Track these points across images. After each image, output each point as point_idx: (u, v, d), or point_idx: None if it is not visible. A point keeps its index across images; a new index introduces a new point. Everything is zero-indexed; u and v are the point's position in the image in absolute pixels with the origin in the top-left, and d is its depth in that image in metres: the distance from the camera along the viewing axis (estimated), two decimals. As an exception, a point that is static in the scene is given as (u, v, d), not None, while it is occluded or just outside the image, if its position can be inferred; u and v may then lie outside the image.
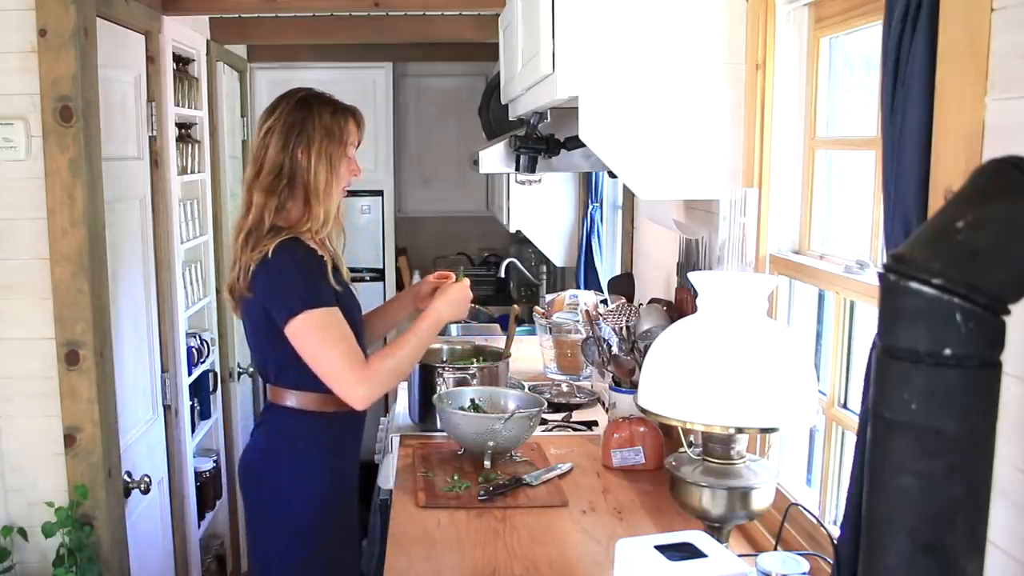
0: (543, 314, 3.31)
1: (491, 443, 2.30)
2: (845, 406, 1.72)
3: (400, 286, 5.33)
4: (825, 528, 1.65)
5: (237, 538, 4.23)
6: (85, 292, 2.52)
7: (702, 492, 1.59)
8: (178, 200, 3.46)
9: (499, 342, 3.07)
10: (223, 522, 4.16)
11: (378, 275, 5.39)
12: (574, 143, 2.66)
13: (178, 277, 3.44)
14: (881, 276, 0.90)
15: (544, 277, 4.93)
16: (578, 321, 3.10)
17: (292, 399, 2.12)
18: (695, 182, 2.01)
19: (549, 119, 2.63)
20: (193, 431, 3.66)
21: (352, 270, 2.33)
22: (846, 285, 1.62)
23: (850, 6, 1.67)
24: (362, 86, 5.13)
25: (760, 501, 1.60)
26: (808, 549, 1.68)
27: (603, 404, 2.85)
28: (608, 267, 3.87)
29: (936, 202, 1.17)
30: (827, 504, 1.76)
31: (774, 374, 1.46)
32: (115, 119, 2.94)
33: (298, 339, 2.00)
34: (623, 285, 3.09)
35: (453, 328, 4.19)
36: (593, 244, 3.82)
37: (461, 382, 2.64)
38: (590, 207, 3.82)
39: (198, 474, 3.73)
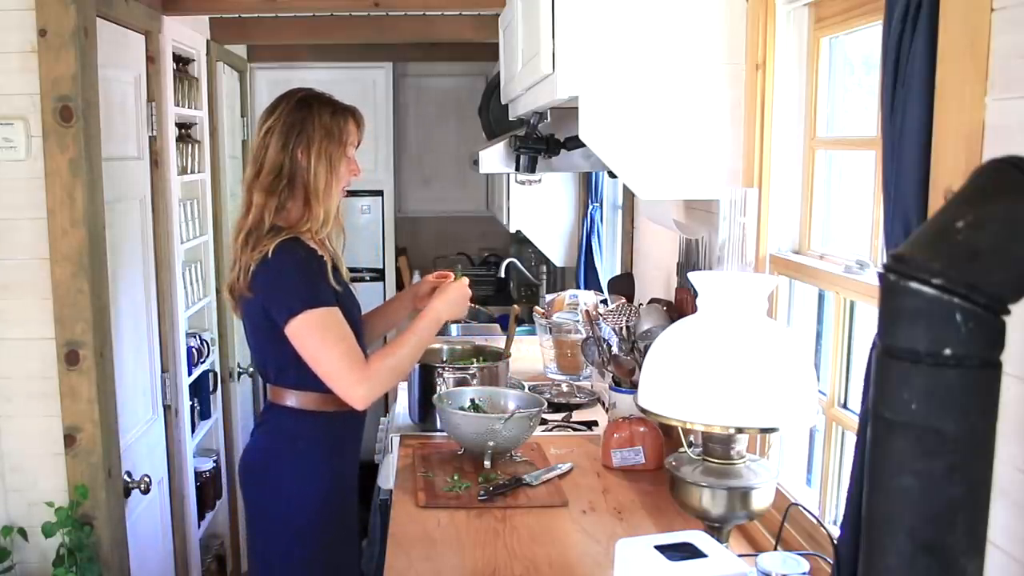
0: (543, 314, 3.31)
1: (491, 443, 2.30)
2: (845, 406, 1.72)
3: (400, 286, 5.33)
4: (825, 528, 1.65)
5: (237, 538, 4.23)
6: (85, 292, 2.52)
7: (702, 492, 1.59)
8: (178, 200, 3.46)
9: (499, 342, 3.07)
10: (223, 522, 4.16)
11: (378, 275, 5.39)
12: (574, 143, 2.66)
13: (178, 277, 3.44)
14: (881, 276, 0.90)
15: (544, 277, 4.93)
16: (578, 321, 3.10)
17: (292, 399, 2.12)
18: (695, 182, 2.01)
19: (549, 119, 2.63)
20: (193, 431, 3.66)
21: (352, 270, 2.33)
22: (846, 285, 1.62)
23: (850, 6, 1.67)
24: (362, 86, 5.13)
25: (760, 501, 1.60)
26: (808, 549, 1.68)
27: (603, 404, 2.85)
28: (608, 267, 3.87)
29: (936, 202, 1.16)
30: (827, 504, 1.76)
31: (774, 374, 1.46)
32: (115, 119, 2.94)
33: (298, 339, 2.00)
34: (623, 285, 3.09)
35: (453, 328, 4.19)
36: (593, 244, 3.82)
37: (461, 382, 2.64)
38: (590, 207, 3.82)
39: (198, 474, 3.73)
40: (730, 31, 1.94)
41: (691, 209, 2.39)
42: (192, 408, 3.66)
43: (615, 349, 2.50)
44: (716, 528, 1.62)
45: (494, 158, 2.97)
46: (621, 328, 2.51)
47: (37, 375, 2.56)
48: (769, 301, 1.72)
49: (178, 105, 3.47)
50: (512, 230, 4.30)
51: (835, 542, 1.36)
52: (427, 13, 3.90)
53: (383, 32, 4.06)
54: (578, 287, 3.82)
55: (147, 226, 3.22)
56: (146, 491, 2.95)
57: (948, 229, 0.88)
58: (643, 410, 1.56)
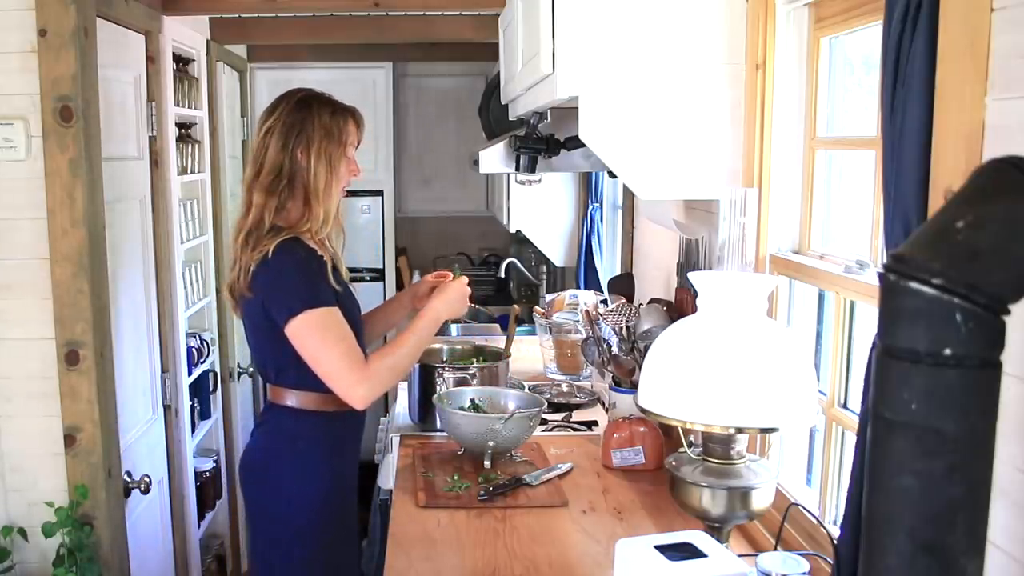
0: (543, 314, 3.31)
1: (491, 443, 2.30)
2: (845, 406, 1.72)
3: (400, 286, 5.33)
4: (825, 528, 1.65)
5: (237, 538, 4.23)
6: (85, 292, 2.52)
7: (702, 492, 1.59)
8: (178, 200, 3.46)
9: (499, 342, 3.07)
10: (223, 522, 4.16)
11: (378, 275, 5.39)
12: (574, 143, 2.66)
13: (178, 277, 3.44)
14: (881, 276, 0.90)
15: (544, 277, 4.93)
16: (578, 321, 3.10)
17: (292, 399, 2.12)
18: (695, 182, 2.01)
19: (549, 119, 2.63)
20: (193, 431, 3.66)
21: (352, 270, 2.33)
22: (846, 285, 1.62)
23: (850, 6, 1.67)
24: (362, 86, 5.13)
25: (760, 501, 1.60)
26: (808, 549, 1.68)
27: (603, 404, 2.85)
28: (608, 267, 3.87)
29: (936, 202, 1.16)
30: (827, 504, 1.76)
31: (774, 374, 1.46)
32: (115, 119, 2.94)
33: (298, 339, 2.00)
34: (623, 285, 3.09)
35: (453, 328, 4.19)
36: (593, 244, 3.81)
37: (461, 382, 2.64)
38: (590, 207, 3.82)
39: (198, 474, 3.73)
40: (730, 31, 1.94)
41: (691, 209, 2.39)
42: (192, 408, 3.66)
43: (615, 349, 2.50)
44: (716, 528, 1.62)
45: (494, 158, 2.97)
46: (621, 328, 2.50)
47: (37, 375, 2.56)
48: (769, 301, 1.72)
49: (178, 105, 3.47)
50: (512, 230, 4.30)
51: (835, 542, 1.36)
52: (427, 13, 3.90)
53: (383, 32, 4.06)
54: (578, 287, 3.82)
55: (147, 226, 3.22)
56: (146, 491, 2.95)
57: (948, 229, 0.88)
58: (643, 410, 1.56)
